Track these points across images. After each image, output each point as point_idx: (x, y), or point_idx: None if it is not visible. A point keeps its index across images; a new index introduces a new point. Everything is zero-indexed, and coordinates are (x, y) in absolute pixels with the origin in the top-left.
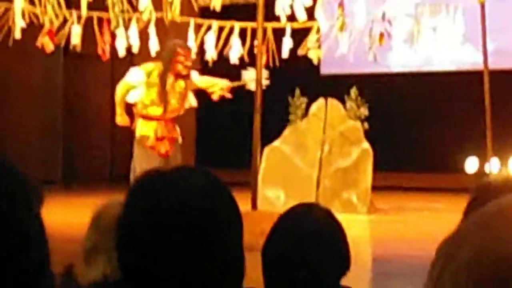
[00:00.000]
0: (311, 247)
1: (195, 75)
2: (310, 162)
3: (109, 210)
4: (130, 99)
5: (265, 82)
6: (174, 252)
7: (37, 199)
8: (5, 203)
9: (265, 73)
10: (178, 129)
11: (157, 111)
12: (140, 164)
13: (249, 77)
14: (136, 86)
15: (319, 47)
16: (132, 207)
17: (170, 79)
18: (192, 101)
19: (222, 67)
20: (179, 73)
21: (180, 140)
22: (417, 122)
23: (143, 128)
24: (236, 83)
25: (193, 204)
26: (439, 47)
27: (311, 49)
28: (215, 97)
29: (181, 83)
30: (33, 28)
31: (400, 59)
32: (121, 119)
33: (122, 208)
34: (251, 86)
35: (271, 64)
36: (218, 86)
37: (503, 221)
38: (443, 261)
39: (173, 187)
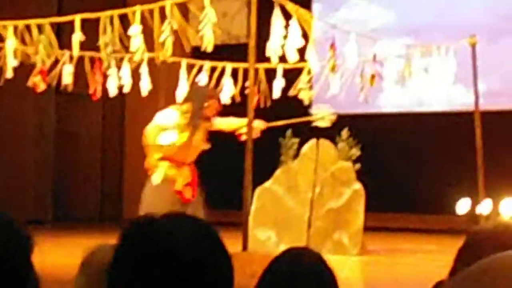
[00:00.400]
0: None
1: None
2: (302, 202)
3: (99, 254)
4: (163, 140)
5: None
6: None
7: (30, 247)
8: (4, 253)
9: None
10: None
11: (185, 154)
12: (159, 207)
13: (322, 112)
14: (168, 128)
15: (310, 88)
16: (123, 253)
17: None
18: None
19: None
20: (208, 116)
21: None
22: (408, 162)
23: (170, 171)
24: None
25: (184, 253)
26: (430, 87)
27: (302, 90)
28: (243, 138)
29: (205, 125)
30: (24, 67)
31: (392, 100)
32: (152, 163)
33: (113, 253)
34: (322, 124)
35: (262, 104)
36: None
37: (489, 281)
38: None
39: (164, 236)
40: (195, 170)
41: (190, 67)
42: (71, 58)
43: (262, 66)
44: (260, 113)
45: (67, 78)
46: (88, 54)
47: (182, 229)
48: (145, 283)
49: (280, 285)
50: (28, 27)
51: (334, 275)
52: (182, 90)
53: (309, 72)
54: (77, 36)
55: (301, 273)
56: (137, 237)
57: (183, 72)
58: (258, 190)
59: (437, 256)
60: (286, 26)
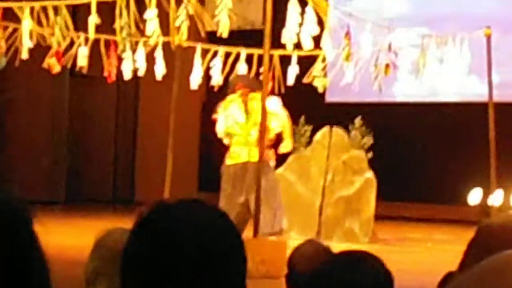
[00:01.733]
0: None
1: (273, 104)
2: (313, 190)
3: (111, 237)
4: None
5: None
6: (180, 286)
7: (29, 221)
8: (6, 231)
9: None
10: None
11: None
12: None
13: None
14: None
15: (324, 75)
16: (139, 237)
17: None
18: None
19: (227, 93)
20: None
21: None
22: (421, 152)
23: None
24: None
25: (201, 240)
26: (444, 78)
27: (316, 78)
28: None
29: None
30: (40, 48)
31: (405, 89)
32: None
33: (129, 236)
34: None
35: (276, 90)
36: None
37: (499, 278)
38: None
39: (181, 222)
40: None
41: (204, 52)
42: (86, 40)
43: (277, 52)
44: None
45: (82, 60)
46: (103, 36)
47: (200, 217)
48: (161, 268)
49: None
50: (44, 9)
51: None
52: (196, 74)
53: (323, 60)
54: (93, 19)
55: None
56: (155, 222)
57: (197, 57)
58: None
59: (448, 246)
60: (302, 13)
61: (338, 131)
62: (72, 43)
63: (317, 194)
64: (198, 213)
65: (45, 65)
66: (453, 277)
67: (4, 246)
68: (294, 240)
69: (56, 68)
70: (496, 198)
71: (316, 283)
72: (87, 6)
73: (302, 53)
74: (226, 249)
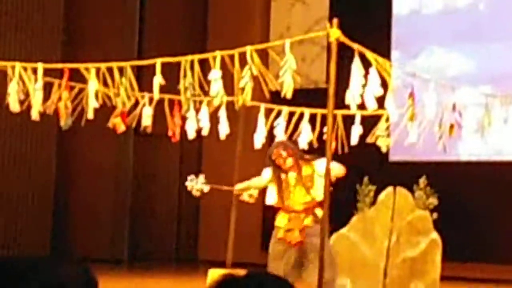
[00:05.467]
0: None
1: (321, 165)
2: (378, 251)
3: None
4: (268, 201)
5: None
6: None
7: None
8: None
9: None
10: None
11: (280, 204)
12: (270, 252)
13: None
14: (266, 184)
15: (388, 135)
16: None
17: (283, 175)
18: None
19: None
20: (279, 165)
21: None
22: (487, 212)
23: (277, 219)
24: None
25: None
26: (509, 137)
27: (380, 137)
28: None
29: (293, 176)
30: (105, 108)
31: (470, 149)
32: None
33: None
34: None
35: (339, 151)
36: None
37: None
38: None
39: None
40: (305, 217)
41: (268, 111)
42: (151, 100)
43: (340, 112)
44: (337, 159)
45: (147, 120)
46: (167, 96)
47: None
48: None
49: None
50: (109, 70)
51: None
52: (260, 134)
53: (387, 120)
54: (158, 79)
55: None
56: None
57: (261, 117)
58: (334, 236)
59: None
60: (366, 74)
61: (402, 191)
62: (136, 103)
63: (382, 256)
64: (262, 284)
65: (110, 124)
66: None
67: None
68: None
69: (121, 128)
70: None
71: None
72: (152, 66)
73: (365, 113)
74: None
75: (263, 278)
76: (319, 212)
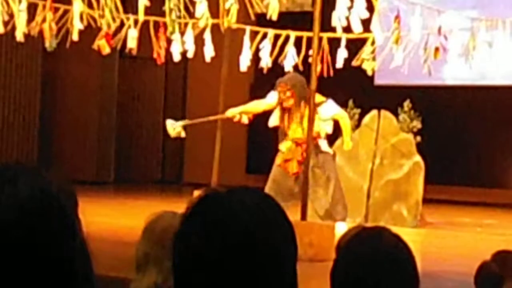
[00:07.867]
0: (386, 271)
1: (326, 110)
2: (361, 173)
3: (162, 221)
4: (271, 123)
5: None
6: (232, 272)
7: (74, 204)
8: (50, 217)
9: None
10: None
11: (282, 125)
12: (271, 175)
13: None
14: (266, 108)
15: (373, 58)
16: (190, 226)
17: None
18: (325, 129)
19: (276, 75)
20: (282, 101)
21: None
22: (470, 136)
23: (280, 144)
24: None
25: (252, 228)
26: (494, 62)
27: (365, 60)
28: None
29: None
30: (90, 30)
31: (455, 73)
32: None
33: (180, 223)
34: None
35: (325, 74)
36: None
37: None
38: None
39: (233, 211)
40: (304, 150)
41: (253, 34)
42: (136, 22)
43: (326, 35)
44: (322, 82)
45: (132, 42)
46: (152, 18)
47: (249, 204)
48: (215, 255)
49: (364, 263)
50: None
51: (413, 254)
52: (245, 57)
53: (372, 43)
54: (143, 1)
55: (385, 251)
56: (203, 212)
57: (246, 39)
58: None
59: (498, 230)
60: None
61: (386, 114)
62: (121, 25)
63: (365, 178)
64: (249, 202)
65: (95, 46)
66: (487, 267)
67: (46, 231)
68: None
69: (106, 50)
70: None
71: (346, 256)
72: None
73: (351, 36)
74: (277, 235)
75: (246, 193)
76: (322, 143)
